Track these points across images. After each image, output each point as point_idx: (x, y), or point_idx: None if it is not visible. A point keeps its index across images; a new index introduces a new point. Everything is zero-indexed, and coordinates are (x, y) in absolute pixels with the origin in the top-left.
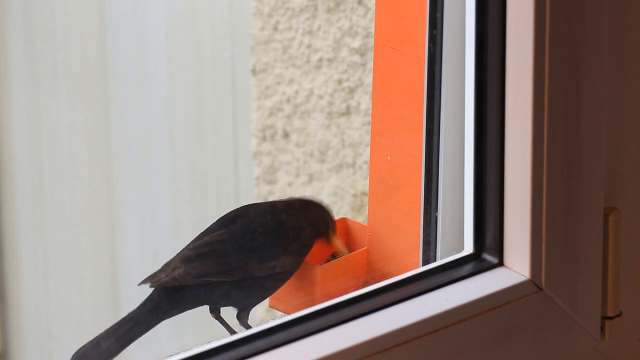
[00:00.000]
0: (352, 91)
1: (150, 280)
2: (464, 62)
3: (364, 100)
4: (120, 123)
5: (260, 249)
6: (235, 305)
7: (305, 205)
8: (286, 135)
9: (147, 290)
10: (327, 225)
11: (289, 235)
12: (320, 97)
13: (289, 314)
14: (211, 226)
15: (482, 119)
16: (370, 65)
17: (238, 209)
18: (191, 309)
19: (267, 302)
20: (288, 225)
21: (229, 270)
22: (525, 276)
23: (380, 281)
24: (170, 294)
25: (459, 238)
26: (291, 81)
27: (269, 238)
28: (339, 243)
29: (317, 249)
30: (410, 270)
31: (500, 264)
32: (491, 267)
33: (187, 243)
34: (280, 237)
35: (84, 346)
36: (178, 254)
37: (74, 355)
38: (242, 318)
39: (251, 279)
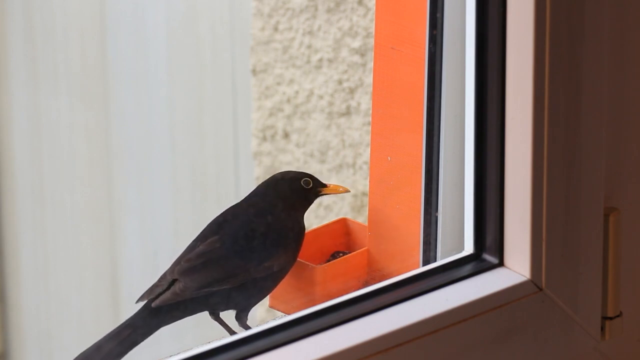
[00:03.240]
0: (352, 91)
1: (148, 296)
2: (464, 62)
3: (364, 100)
4: (120, 123)
5: (256, 251)
6: (234, 307)
7: (274, 187)
8: (286, 135)
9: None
10: (309, 188)
11: (281, 232)
12: (320, 97)
13: (289, 314)
14: (201, 233)
15: (482, 119)
16: (370, 65)
17: (222, 213)
18: (190, 316)
19: (267, 302)
20: (276, 222)
21: (229, 277)
22: (525, 276)
23: (380, 281)
24: (169, 305)
25: (459, 238)
26: (291, 81)
27: (262, 239)
28: (335, 187)
29: (317, 249)
30: (410, 270)
31: (500, 264)
32: (491, 267)
33: (181, 252)
34: (272, 236)
35: (84, 352)
36: (173, 266)
37: None
38: (241, 318)
39: (250, 281)
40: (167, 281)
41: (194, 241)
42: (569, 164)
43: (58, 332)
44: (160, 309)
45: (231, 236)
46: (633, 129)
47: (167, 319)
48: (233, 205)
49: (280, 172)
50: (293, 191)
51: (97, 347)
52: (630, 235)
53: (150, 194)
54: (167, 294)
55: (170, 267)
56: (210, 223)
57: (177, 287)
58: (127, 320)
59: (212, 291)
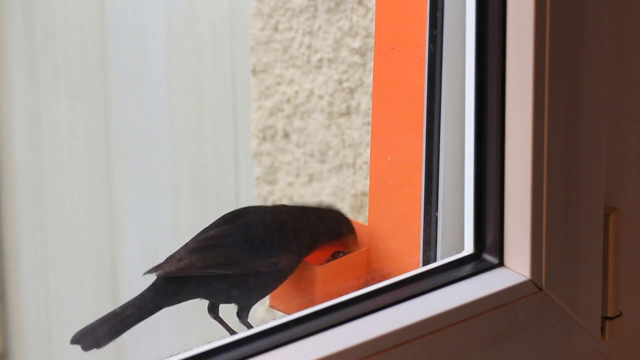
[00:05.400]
0: (352, 91)
1: (155, 270)
2: (464, 62)
3: (364, 100)
4: (120, 123)
5: (264, 245)
6: (236, 301)
7: (320, 209)
8: (286, 135)
9: (148, 284)
10: (342, 229)
11: (291, 233)
12: (320, 97)
13: (289, 314)
14: (215, 221)
15: (482, 119)
16: (370, 65)
17: (243, 207)
18: (191, 299)
19: (267, 302)
20: (290, 223)
21: (233, 263)
22: (525, 276)
23: (380, 281)
24: (173, 283)
25: (459, 238)
26: (291, 81)
27: (272, 234)
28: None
29: (319, 250)
30: (410, 270)
31: (500, 264)
32: (491, 267)
33: (190, 239)
34: (283, 234)
35: (83, 328)
36: (182, 247)
37: (72, 337)
38: (242, 317)
39: (253, 274)
40: (174, 259)
41: (206, 228)
42: (569, 164)
43: (58, 332)
44: (162, 285)
45: (243, 227)
46: (633, 130)
47: (168, 298)
48: (256, 205)
49: (340, 212)
50: (328, 232)
51: (96, 326)
52: (630, 235)
53: (150, 194)
54: (172, 268)
55: (179, 249)
56: (226, 214)
57: (181, 263)
58: (128, 301)
59: (215, 273)
